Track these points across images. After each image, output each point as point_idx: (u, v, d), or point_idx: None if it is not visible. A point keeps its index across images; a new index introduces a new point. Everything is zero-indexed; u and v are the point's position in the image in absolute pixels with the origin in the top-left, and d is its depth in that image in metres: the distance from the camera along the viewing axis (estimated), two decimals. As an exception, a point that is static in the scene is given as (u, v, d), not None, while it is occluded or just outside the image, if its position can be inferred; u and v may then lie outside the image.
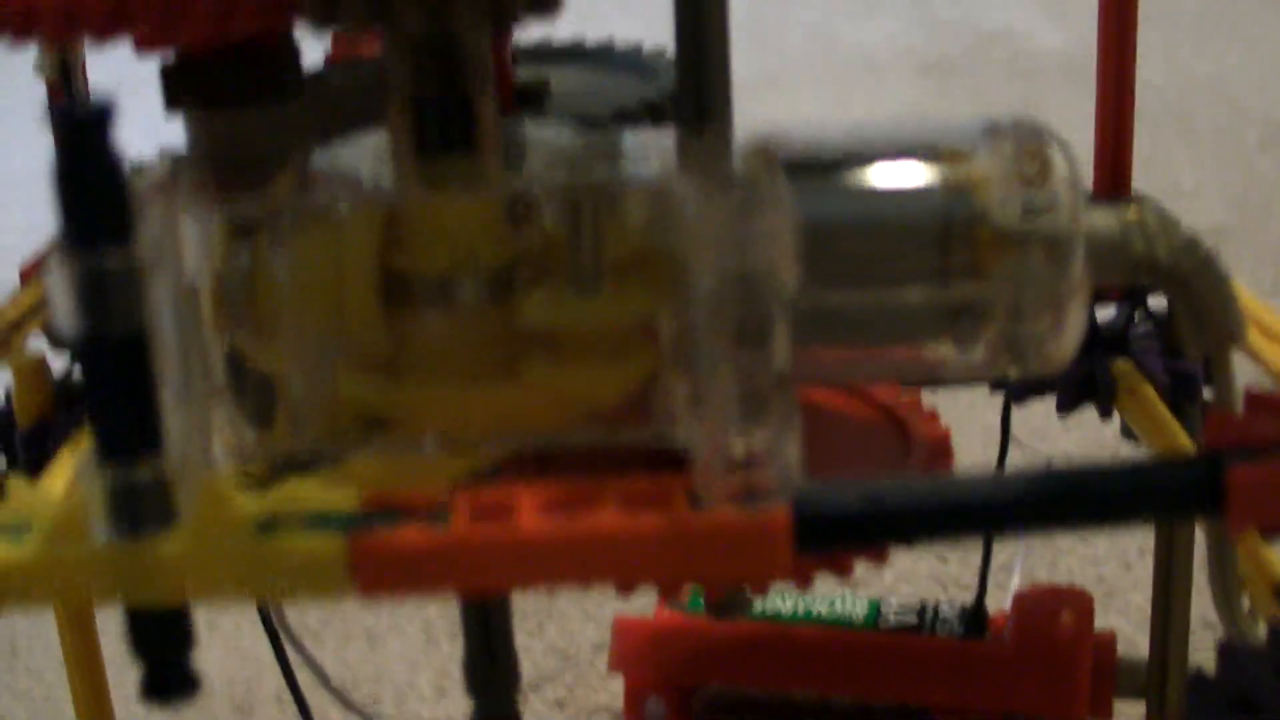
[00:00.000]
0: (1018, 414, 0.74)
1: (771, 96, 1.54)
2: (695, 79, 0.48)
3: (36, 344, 0.68)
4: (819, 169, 0.46)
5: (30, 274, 0.70)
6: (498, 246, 0.45)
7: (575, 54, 0.66)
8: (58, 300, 0.39)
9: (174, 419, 0.44)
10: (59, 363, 0.67)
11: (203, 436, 0.44)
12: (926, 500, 0.41)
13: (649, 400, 0.45)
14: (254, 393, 0.46)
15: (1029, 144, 0.46)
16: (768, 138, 0.47)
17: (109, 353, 0.39)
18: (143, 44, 0.48)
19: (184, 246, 0.43)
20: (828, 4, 1.89)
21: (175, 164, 0.48)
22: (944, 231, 0.45)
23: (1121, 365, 0.69)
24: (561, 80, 0.63)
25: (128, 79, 0.53)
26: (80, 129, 0.38)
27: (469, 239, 0.45)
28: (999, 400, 0.73)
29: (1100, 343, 0.69)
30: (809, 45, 1.75)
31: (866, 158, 0.46)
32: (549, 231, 0.45)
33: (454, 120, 0.45)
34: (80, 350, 0.39)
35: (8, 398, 0.71)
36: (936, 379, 0.54)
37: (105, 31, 0.47)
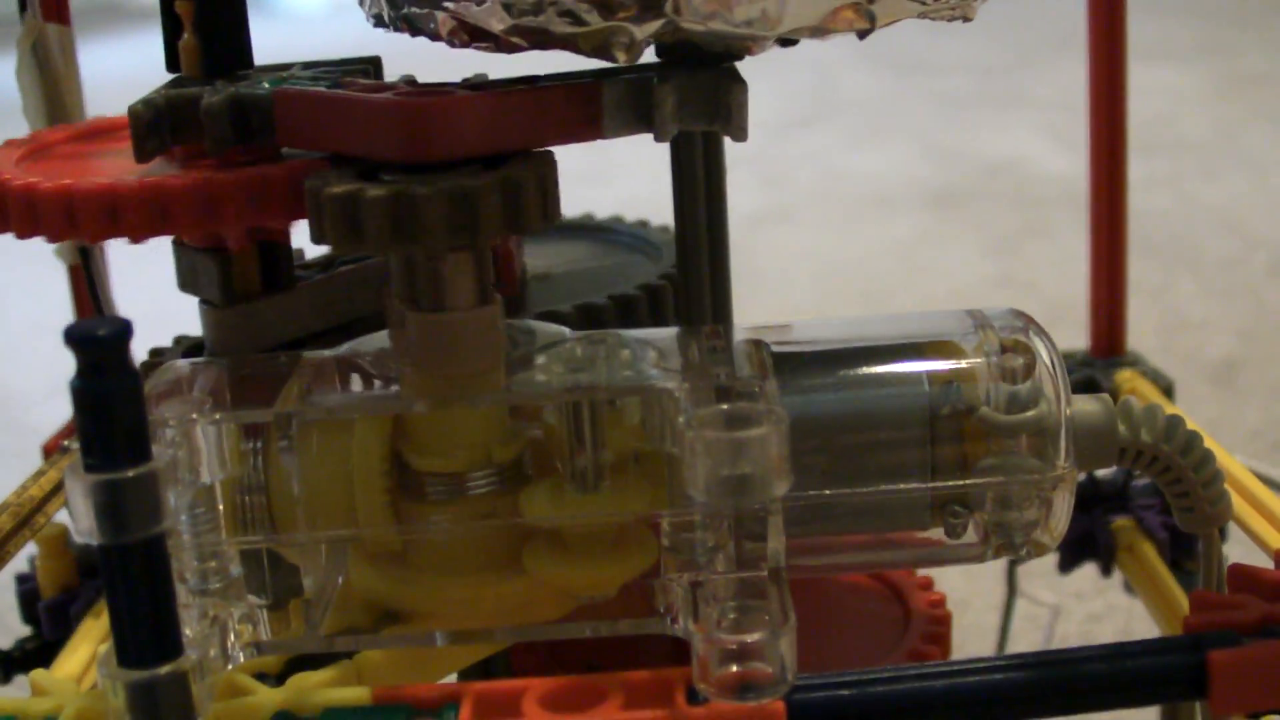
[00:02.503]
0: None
1: (780, 231, 1.56)
2: (695, 277, 0.50)
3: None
4: (811, 363, 0.48)
5: (54, 447, 0.71)
6: (503, 446, 0.46)
7: (581, 230, 0.68)
8: (77, 509, 0.40)
9: (192, 615, 0.45)
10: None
11: (220, 632, 0.46)
12: (917, 693, 0.42)
13: (649, 592, 0.46)
14: (269, 588, 0.47)
15: (1013, 336, 0.47)
16: (762, 333, 0.48)
17: (128, 560, 0.40)
18: (180, 240, 0.50)
19: (199, 451, 0.45)
20: (835, 137, 1.91)
21: (190, 365, 0.49)
22: (932, 425, 0.46)
23: (1121, 522, 0.70)
24: (567, 259, 0.64)
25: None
26: (97, 350, 0.39)
27: (475, 440, 0.46)
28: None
29: (1099, 501, 0.70)
30: (817, 178, 1.77)
31: (856, 352, 0.48)
32: (551, 428, 0.47)
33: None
34: (100, 557, 0.41)
35: (31, 567, 0.73)
36: (928, 564, 0.55)
37: (142, 233, 0.49)
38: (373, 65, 0.54)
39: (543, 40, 0.46)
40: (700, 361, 0.47)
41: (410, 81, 0.48)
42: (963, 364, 0.47)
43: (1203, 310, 1.35)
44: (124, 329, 0.40)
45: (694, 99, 0.47)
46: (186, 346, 0.57)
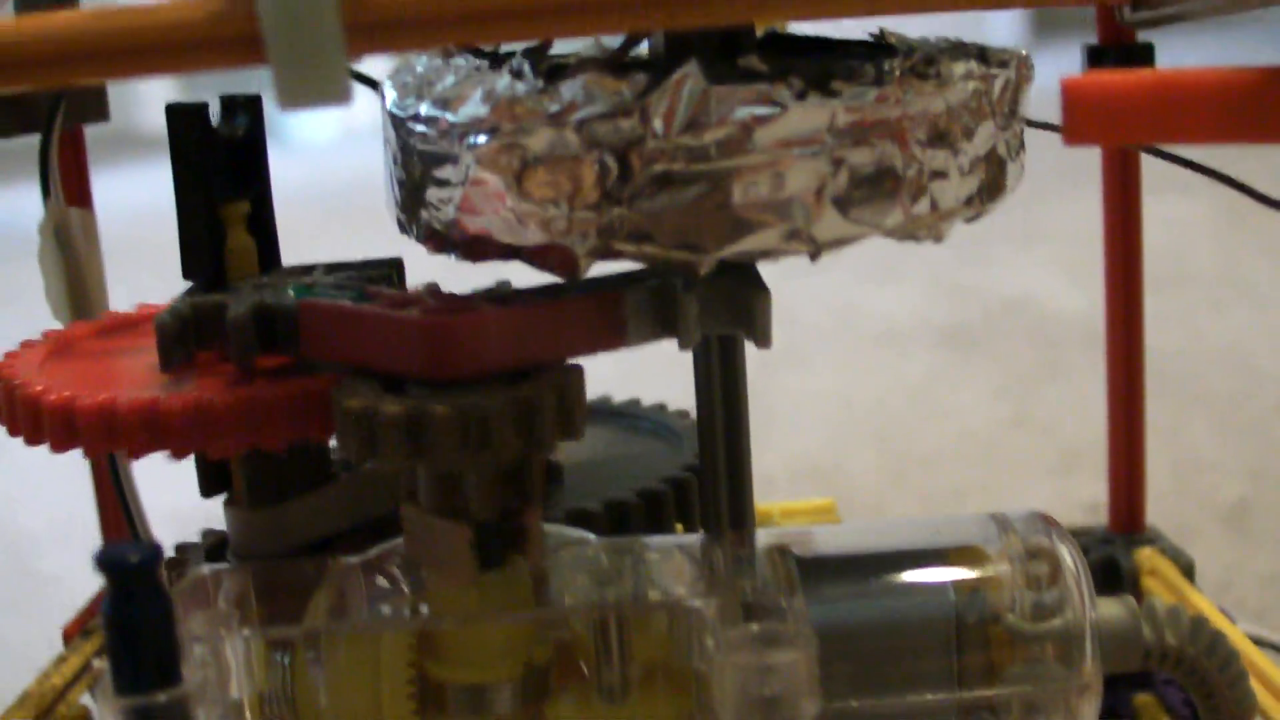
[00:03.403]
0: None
1: (793, 371, 1.56)
2: (718, 489, 0.50)
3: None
4: (836, 571, 0.48)
5: (73, 632, 0.71)
6: (529, 656, 0.47)
7: (601, 413, 0.68)
8: (109, 732, 0.40)
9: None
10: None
11: None
12: None
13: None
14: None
15: (1036, 542, 0.48)
16: (785, 538, 0.49)
17: (158, 781, 0.40)
18: (177, 456, 0.50)
19: (228, 667, 0.45)
20: (847, 274, 1.92)
21: (215, 571, 0.50)
22: (958, 634, 0.46)
23: (1143, 699, 0.69)
24: (587, 446, 0.64)
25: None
26: (128, 576, 0.40)
27: (501, 652, 0.46)
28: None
29: (1121, 676, 0.70)
30: (829, 317, 1.78)
31: (881, 559, 0.48)
32: (578, 636, 0.47)
33: (505, 540, 0.47)
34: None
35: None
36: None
37: (142, 448, 0.49)
38: (395, 269, 0.54)
39: (501, 252, 0.46)
40: (725, 573, 0.47)
41: (434, 291, 0.48)
42: (988, 572, 0.47)
43: (1214, 450, 1.35)
44: (154, 555, 0.40)
45: (716, 305, 0.48)
46: (210, 543, 0.57)
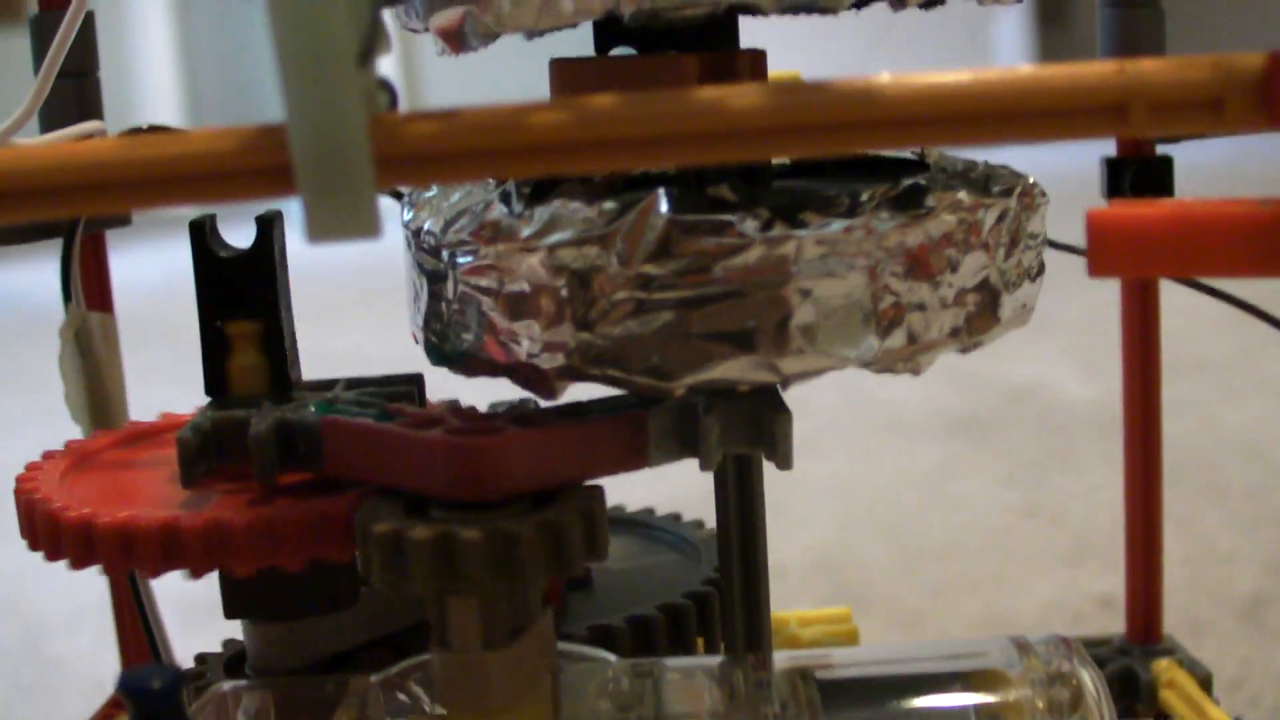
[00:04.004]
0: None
1: (804, 460, 1.56)
2: (734, 606, 0.50)
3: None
4: (856, 694, 0.48)
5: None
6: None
7: (617, 522, 0.67)
8: None
9: None
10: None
11: None
12: None
13: None
14: None
15: (1058, 666, 0.47)
16: (806, 663, 0.49)
17: None
18: (242, 574, 0.49)
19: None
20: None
21: (234, 688, 0.49)
22: (980, 761, 0.46)
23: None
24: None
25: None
26: (150, 701, 0.40)
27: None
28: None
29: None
30: (839, 406, 1.78)
31: (902, 682, 0.48)
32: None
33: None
34: None
35: None
36: None
37: (204, 568, 0.49)
38: (416, 385, 0.54)
39: (487, 369, 0.47)
40: (747, 697, 0.47)
41: (456, 410, 0.48)
42: (1009, 696, 0.47)
43: (1229, 541, 1.35)
44: (175, 680, 0.40)
45: (738, 426, 0.48)
46: (229, 656, 0.57)
